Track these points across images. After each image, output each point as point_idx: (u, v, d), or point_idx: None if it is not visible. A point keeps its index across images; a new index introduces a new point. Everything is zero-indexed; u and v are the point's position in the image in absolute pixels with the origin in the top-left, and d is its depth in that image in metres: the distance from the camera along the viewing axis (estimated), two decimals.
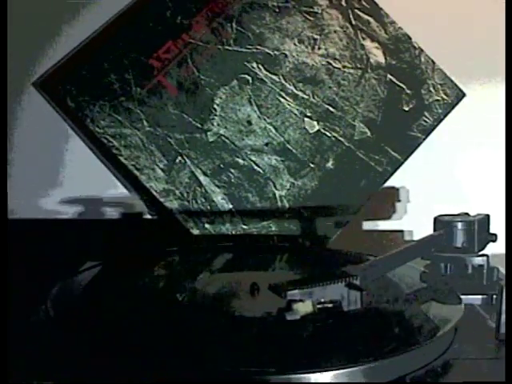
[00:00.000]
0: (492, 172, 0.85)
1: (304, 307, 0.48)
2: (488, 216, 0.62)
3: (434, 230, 0.62)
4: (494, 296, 0.55)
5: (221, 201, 0.77)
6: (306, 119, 0.79)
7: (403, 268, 0.57)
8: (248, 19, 0.78)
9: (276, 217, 0.77)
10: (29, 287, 0.58)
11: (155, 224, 0.84)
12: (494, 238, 0.62)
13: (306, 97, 0.79)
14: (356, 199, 0.79)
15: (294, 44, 0.79)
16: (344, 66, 0.80)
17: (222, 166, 0.77)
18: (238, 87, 0.78)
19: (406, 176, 0.83)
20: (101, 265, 0.64)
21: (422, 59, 0.81)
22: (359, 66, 0.80)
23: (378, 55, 0.81)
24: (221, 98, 0.77)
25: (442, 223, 0.61)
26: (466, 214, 0.63)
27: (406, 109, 0.81)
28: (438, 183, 0.86)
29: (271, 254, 0.72)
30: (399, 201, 0.86)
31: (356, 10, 0.80)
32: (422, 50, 0.81)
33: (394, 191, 0.85)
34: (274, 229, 0.77)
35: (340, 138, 0.79)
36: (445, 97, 0.81)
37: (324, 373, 0.41)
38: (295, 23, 0.79)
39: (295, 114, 0.79)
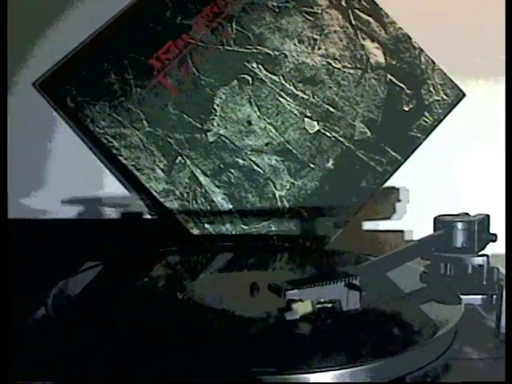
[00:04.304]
0: (492, 172, 0.85)
1: (303, 307, 0.48)
2: (488, 216, 0.62)
3: (434, 230, 0.62)
4: (494, 296, 0.55)
5: (221, 201, 0.77)
6: (306, 119, 0.79)
7: (403, 268, 0.57)
8: (248, 19, 0.78)
9: (276, 217, 0.77)
10: (29, 287, 0.58)
11: (155, 224, 0.84)
12: (493, 238, 0.62)
13: (305, 97, 0.79)
14: (356, 199, 0.79)
15: (294, 44, 0.79)
16: (344, 66, 0.80)
17: (222, 166, 0.77)
18: (238, 87, 0.78)
19: (406, 176, 0.83)
20: (101, 265, 0.64)
21: (422, 59, 0.81)
22: (359, 66, 0.80)
23: (378, 55, 0.81)
24: (221, 98, 0.77)
25: (442, 223, 0.61)
26: (466, 214, 0.63)
27: (406, 109, 0.81)
28: (437, 183, 0.86)
29: (271, 253, 0.73)
30: (399, 201, 0.86)
31: (356, 10, 0.80)
32: (422, 50, 0.81)
33: (394, 191, 0.85)
34: (274, 229, 0.77)
35: (340, 138, 0.79)
36: (445, 97, 0.81)
37: (324, 373, 0.41)
38: (295, 23, 0.79)
39: (295, 114, 0.79)
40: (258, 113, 0.78)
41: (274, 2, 0.79)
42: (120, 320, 0.51)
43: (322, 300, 0.48)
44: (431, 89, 0.81)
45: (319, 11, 0.80)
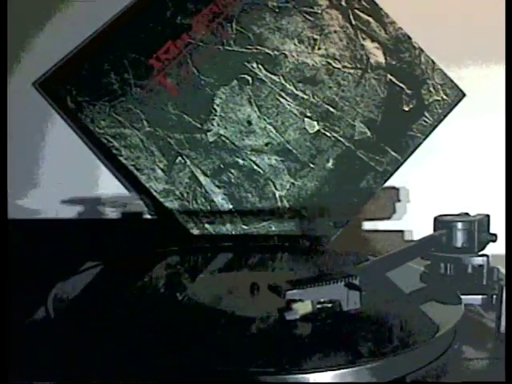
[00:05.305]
0: (492, 172, 0.85)
1: (303, 307, 0.48)
2: (488, 216, 0.62)
3: (434, 230, 0.62)
4: (494, 296, 0.55)
5: (221, 201, 0.77)
6: (306, 119, 0.79)
7: (403, 268, 0.57)
8: (248, 19, 0.78)
9: (276, 217, 0.77)
10: (29, 287, 0.58)
11: (155, 224, 0.84)
12: (493, 238, 0.62)
13: (305, 97, 0.79)
14: (356, 199, 0.79)
15: (294, 44, 0.79)
16: (344, 66, 0.80)
17: (222, 166, 0.77)
18: (238, 87, 0.78)
19: (406, 176, 0.83)
20: (101, 265, 0.64)
21: (422, 59, 0.81)
22: (359, 66, 0.80)
23: (378, 55, 0.81)
24: (221, 98, 0.77)
25: (442, 223, 0.61)
26: (466, 214, 0.63)
27: (406, 109, 0.81)
28: (437, 183, 0.86)
29: (271, 253, 0.73)
30: (399, 201, 0.86)
31: (356, 10, 0.80)
32: (422, 50, 0.81)
33: (394, 191, 0.85)
34: (274, 229, 0.77)
35: (340, 138, 0.79)
36: (445, 97, 0.81)
37: (324, 373, 0.41)
38: (295, 23, 0.79)
39: (295, 114, 0.79)
40: (258, 113, 0.78)
41: (274, 1, 0.79)
42: (120, 320, 0.51)
43: (322, 300, 0.48)
44: (431, 89, 0.81)
45: (319, 11, 0.80)
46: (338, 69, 0.80)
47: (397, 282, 0.60)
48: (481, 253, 0.60)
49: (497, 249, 0.62)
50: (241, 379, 0.41)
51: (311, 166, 0.79)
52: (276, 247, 0.76)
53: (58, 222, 0.82)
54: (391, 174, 0.80)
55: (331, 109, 0.79)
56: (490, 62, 0.84)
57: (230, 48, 0.78)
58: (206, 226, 0.76)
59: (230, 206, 0.77)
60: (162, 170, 0.76)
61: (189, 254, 0.71)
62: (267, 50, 0.79)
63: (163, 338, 0.47)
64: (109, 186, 0.83)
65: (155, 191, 0.76)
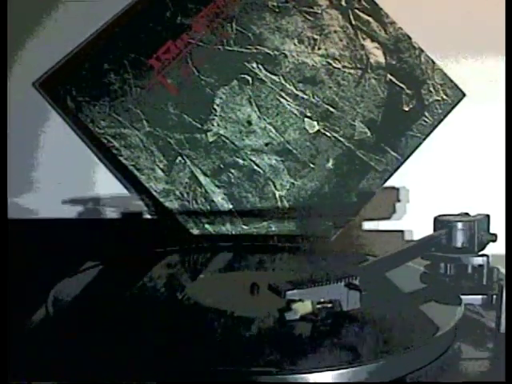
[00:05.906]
0: (492, 172, 0.85)
1: (303, 307, 0.48)
2: (488, 216, 0.62)
3: (434, 230, 0.62)
4: (494, 296, 0.55)
5: (221, 201, 0.77)
6: (306, 119, 0.79)
7: (403, 268, 0.57)
8: (248, 19, 0.78)
9: (276, 217, 0.77)
10: (29, 287, 0.58)
11: (155, 224, 0.84)
12: (493, 238, 0.62)
13: (305, 97, 0.79)
14: (356, 199, 0.79)
15: (294, 44, 0.79)
16: (344, 66, 0.80)
17: (221, 166, 0.77)
18: (238, 87, 0.78)
19: (406, 176, 0.83)
20: (101, 265, 0.64)
21: (422, 59, 0.81)
22: (359, 66, 0.80)
23: (378, 55, 0.81)
24: (221, 98, 0.77)
25: (442, 223, 0.61)
26: (466, 213, 0.63)
27: (406, 109, 0.81)
28: (437, 183, 0.86)
29: (271, 253, 0.73)
30: (399, 201, 0.86)
31: (356, 10, 0.80)
32: (422, 50, 0.81)
33: (394, 191, 0.85)
34: (273, 229, 0.77)
35: (340, 138, 0.79)
36: (445, 97, 0.81)
37: (324, 373, 0.41)
38: (295, 23, 0.79)
39: (295, 114, 0.79)
40: (258, 113, 0.78)
41: (274, 1, 0.79)
42: (120, 320, 0.51)
43: (322, 300, 0.48)
44: (431, 89, 0.81)
45: (319, 11, 0.80)
46: (338, 69, 0.80)
47: (397, 282, 0.60)
48: (481, 253, 0.60)
49: (497, 249, 0.62)
50: (241, 379, 0.41)
51: (311, 165, 0.79)
52: (276, 247, 0.76)
53: (58, 222, 0.82)
54: (391, 174, 0.80)
55: (331, 109, 0.79)
56: (490, 62, 0.84)
57: (230, 48, 0.78)
58: (206, 226, 0.76)
59: (230, 206, 0.77)
60: (162, 170, 0.76)
61: (189, 254, 0.71)
62: (267, 50, 0.79)
63: (163, 338, 0.47)
64: (109, 186, 0.83)
65: (155, 191, 0.76)
